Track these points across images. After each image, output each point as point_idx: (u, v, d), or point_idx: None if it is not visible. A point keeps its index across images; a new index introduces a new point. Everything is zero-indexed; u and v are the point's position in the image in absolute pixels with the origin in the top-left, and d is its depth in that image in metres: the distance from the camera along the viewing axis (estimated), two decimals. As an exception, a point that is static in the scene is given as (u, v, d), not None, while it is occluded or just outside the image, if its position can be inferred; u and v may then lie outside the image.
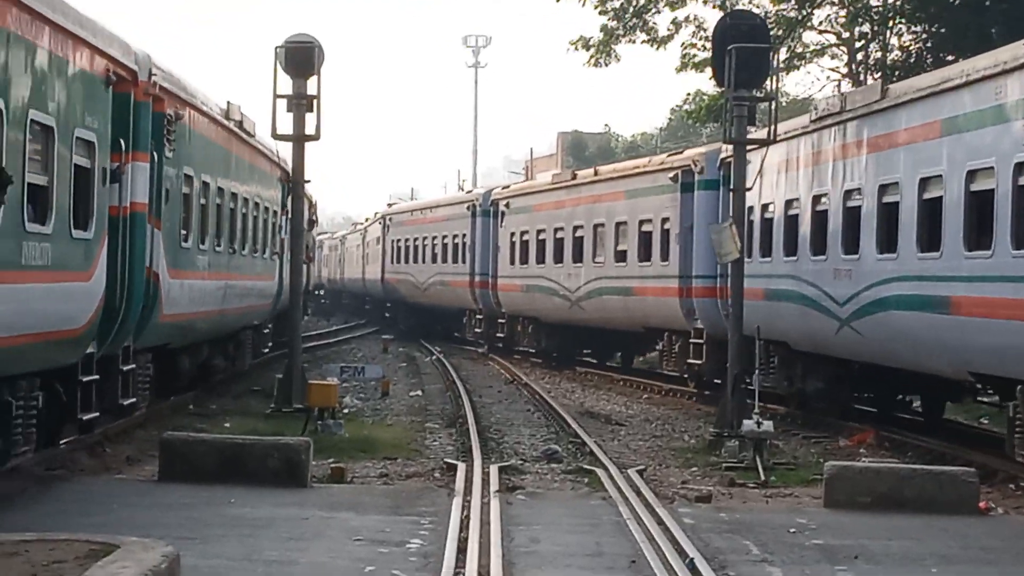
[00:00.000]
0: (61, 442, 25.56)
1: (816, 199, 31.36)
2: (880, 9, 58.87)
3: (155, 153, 30.09)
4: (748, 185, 34.33)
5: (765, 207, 35.64)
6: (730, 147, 22.30)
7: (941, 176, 23.70)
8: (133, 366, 27.93)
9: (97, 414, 25.67)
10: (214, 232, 37.80)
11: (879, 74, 53.03)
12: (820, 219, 30.94)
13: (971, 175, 22.17)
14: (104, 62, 25.90)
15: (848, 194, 28.97)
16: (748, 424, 26.69)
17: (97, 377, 25.49)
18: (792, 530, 19.50)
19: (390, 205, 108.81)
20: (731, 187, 33.64)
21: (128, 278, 27.66)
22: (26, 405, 21.63)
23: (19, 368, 20.98)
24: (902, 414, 32.05)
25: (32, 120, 20.73)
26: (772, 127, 33.45)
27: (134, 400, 28.97)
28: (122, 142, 26.99)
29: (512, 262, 51.36)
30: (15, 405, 20.62)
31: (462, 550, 17.01)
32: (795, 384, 33.84)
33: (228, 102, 34.05)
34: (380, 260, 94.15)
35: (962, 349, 23.44)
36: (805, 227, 32.13)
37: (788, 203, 33.71)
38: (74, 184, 23.65)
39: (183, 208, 33.64)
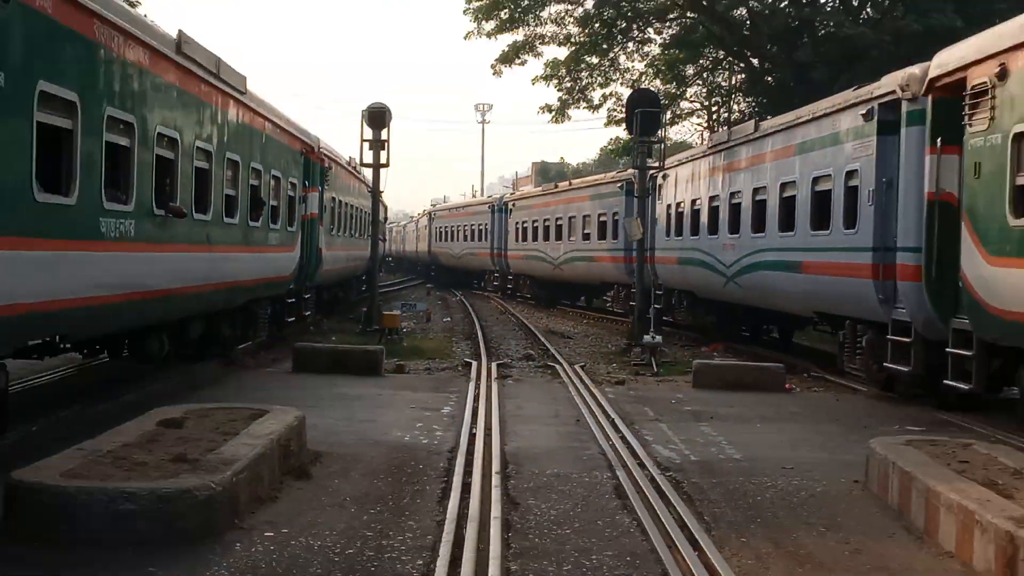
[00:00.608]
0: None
1: (711, 199, 30.14)
2: (726, 88, 59.25)
3: (320, 187, 34.65)
4: (663, 193, 35.62)
5: (679, 204, 34.42)
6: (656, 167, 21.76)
7: (795, 181, 22.97)
8: (309, 296, 33.46)
9: (293, 319, 32.45)
10: (341, 225, 41.32)
11: (726, 127, 53.02)
12: (714, 212, 29.68)
13: (815, 181, 21.68)
14: (300, 142, 32.20)
15: (732, 195, 27.94)
16: (647, 338, 26.89)
17: (293, 300, 32.15)
18: (673, 401, 19.96)
19: (433, 205, 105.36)
20: (635, 195, 32.37)
21: (309, 251, 32.94)
22: (263, 314, 28.12)
23: (266, 294, 27.73)
24: (766, 338, 31.33)
25: (273, 175, 27.65)
26: (662, 159, 32.63)
27: (308, 313, 34.18)
28: (306, 182, 32.58)
29: (517, 240, 48.82)
30: (259, 314, 27.61)
31: (475, 413, 17.64)
32: (699, 319, 33.04)
33: (351, 157, 37.81)
34: (427, 240, 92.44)
35: (809, 296, 22.93)
36: (704, 217, 30.73)
37: (693, 201, 32.42)
38: (288, 203, 29.98)
39: (331, 214, 37.35)
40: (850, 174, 19.72)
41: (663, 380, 23.22)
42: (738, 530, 10.80)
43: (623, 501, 11.96)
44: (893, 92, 17.72)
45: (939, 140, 15.18)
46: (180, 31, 19.30)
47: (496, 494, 11.92)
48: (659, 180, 36.67)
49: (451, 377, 23.41)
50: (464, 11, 54.77)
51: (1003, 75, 12.59)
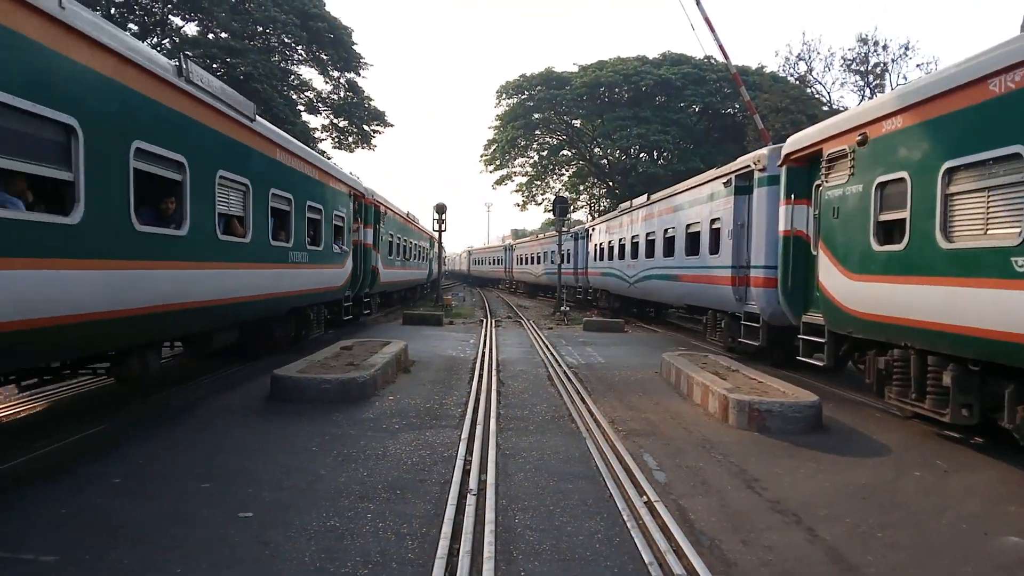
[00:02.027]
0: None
1: (619, 239, 25.12)
2: (596, 194, 57.59)
3: (438, 250, 34.18)
4: (592, 237, 30.56)
5: (600, 243, 28.65)
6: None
7: (674, 227, 18.85)
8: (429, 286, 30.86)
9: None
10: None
11: (599, 211, 52.85)
12: (621, 247, 25.00)
13: (688, 226, 17.68)
14: (428, 236, 34.69)
15: (633, 237, 23.23)
16: (563, 307, 26.64)
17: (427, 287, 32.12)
18: (575, 337, 19.47)
19: (471, 247, 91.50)
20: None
21: (431, 272, 34.11)
22: (401, 295, 27.87)
23: (415, 285, 27.55)
24: (648, 314, 26.24)
25: (420, 244, 31.41)
26: (569, 228, 32.19)
27: (428, 293, 33.26)
28: (431, 246, 34.68)
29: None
30: (400, 295, 26.69)
31: (485, 343, 17.24)
32: (611, 304, 27.82)
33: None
34: (467, 264, 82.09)
35: (683, 295, 18.79)
36: (616, 250, 25.68)
37: (609, 242, 27.00)
38: (423, 254, 33.84)
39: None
40: (714, 220, 15.85)
41: (569, 327, 22.69)
42: (603, 394, 10.73)
43: (551, 381, 11.82)
44: (748, 167, 14.08)
45: (792, 195, 11.70)
46: (409, 212, 26.79)
47: (494, 379, 11.79)
48: (589, 231, 31.49)
49: (473, 325, 22.86)
50: (480, 159, 55.51)
51: (863, 142, 9.26)
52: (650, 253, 21.29)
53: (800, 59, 42.99)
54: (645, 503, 5.87)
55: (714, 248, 15.85)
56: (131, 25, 32.30)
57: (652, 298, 22.33)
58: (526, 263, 48.12)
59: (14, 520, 5.21)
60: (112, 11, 31.17)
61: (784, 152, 11.93)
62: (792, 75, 42.90)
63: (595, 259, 29.83)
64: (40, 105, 5.92)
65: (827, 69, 47.34)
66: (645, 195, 22.73)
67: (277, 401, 9.44)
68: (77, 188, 6.45)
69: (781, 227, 12.20)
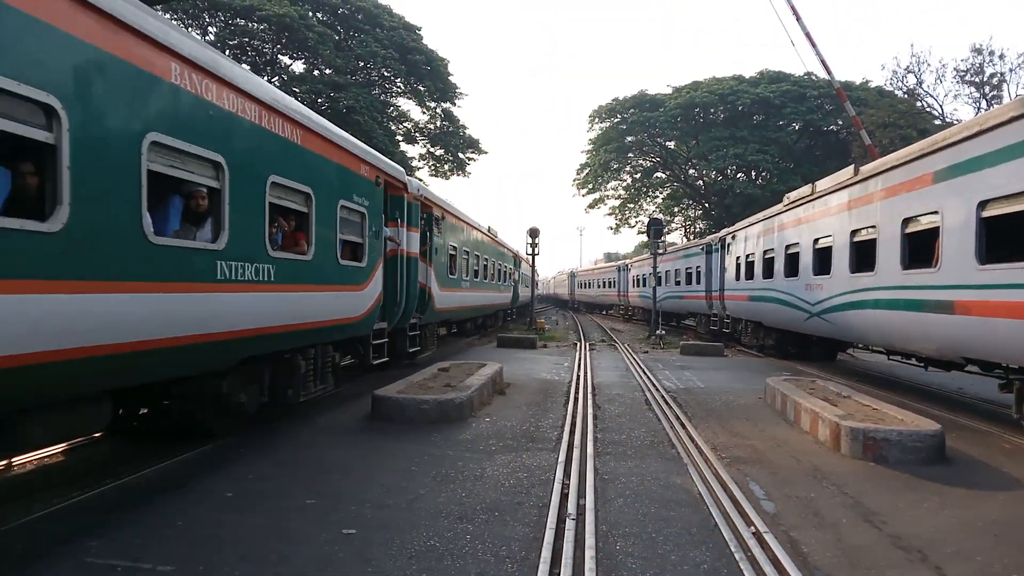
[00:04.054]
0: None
1: (787, 247, 17.23)
2: (692, 215, 57.28)
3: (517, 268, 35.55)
4: (730, 250, 23.22)
5: (748, 255, 20.76)
6: None
7: (936, 212, 10.31)
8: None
9: (515, 317, 34.61)
10: (522, 282, 36.50)
11: (694, 233, 51.82)
12: (791, 257, 16.97)
13: (983, 205, 9.16)
14: (514, 256, 32.81)
15: (818, 240, 15.13)
16: (659, 331, 26.00)
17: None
18: (672, 361, 19.01)
19: (574, 269, 79.15)
20: (655, 270, 27.77)
21: (516, 293, 33.87)
22: (497, 315, 28.86)
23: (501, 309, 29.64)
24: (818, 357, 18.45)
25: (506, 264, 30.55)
26: (664, 248, 31.32)
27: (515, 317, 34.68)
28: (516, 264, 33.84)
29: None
30: (501, 317, 29.88)
31: (579, 366, 17.01)
32: (764, 340, 20.55)
33: (527, 255, 29.77)
34: (568, 287, 73.57)
35: (961, 340, 9.70)
36: (781, 263, 17.58)
37: (764, 252, 19.18)
38: (508, 273, 31.84)
39: (520, 277, 32.89)
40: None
41: (665, 351, 22.24)
42: (703, 419, 10.41)
43: (649, 406, 11.58)
44: None
45: None
46: (489, 226, 26.58)
47: (590, 402, 11.65)
48: (727, 240, 23.73)
49: (567, 349, 22.61)
50: (572, 182, 55.72)
51: None
52: (862, 264, 13.15)
53: (909, 71, 41.07)
54: (753, 534, 5.59)
55: None
56: (244, 64, 34.29)
57: (866, 340, 14.35)
58: (643, 285, 40.38)
59: (136, 531, 5.48)
60: (227, 52, 33.20)
61: None
62: (900, 89, 41.00)
63: (737, 278, 22.42)
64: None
65: (939, 81, 45.17)
66: (850, 167, 14.11)
67: (378, 420, 9.61)
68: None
69: None
